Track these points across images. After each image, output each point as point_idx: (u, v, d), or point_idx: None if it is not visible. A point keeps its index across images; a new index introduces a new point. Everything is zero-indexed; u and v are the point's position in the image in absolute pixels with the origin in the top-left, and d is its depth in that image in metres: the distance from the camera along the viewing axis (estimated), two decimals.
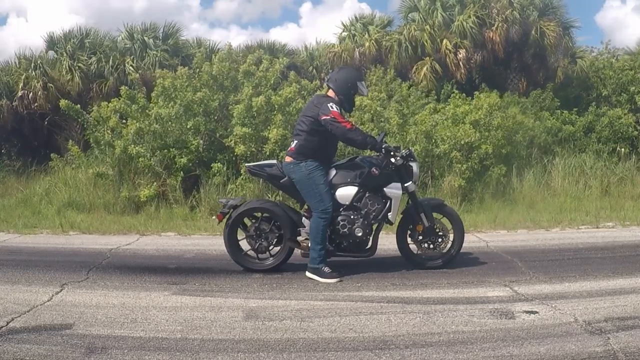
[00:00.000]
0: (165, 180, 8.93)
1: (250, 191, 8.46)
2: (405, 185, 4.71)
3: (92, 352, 3.02)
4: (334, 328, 3.44)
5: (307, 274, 4.58)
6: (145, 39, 14.44)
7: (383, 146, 4.65)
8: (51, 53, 14.41)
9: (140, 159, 8.84)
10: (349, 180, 4.65)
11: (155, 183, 8.86)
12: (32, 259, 5.47)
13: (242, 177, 8.78)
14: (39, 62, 13.68)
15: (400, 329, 3.41)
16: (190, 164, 8.99)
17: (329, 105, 4.52)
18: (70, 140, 10.88)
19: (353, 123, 4.77)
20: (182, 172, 8.90)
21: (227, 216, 4.84)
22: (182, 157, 8.89)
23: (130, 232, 7.21)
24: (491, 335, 3.29)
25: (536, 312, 3.68)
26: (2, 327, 3.37)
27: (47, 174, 10.63)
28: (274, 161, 5.08)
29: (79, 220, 7.92)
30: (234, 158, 9.03)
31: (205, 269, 5.04)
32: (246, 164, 5.49)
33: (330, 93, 4.73)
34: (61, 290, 4.26)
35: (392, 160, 4.63)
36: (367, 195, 4.65)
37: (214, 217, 5.88)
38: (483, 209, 8.52)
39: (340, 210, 4.63)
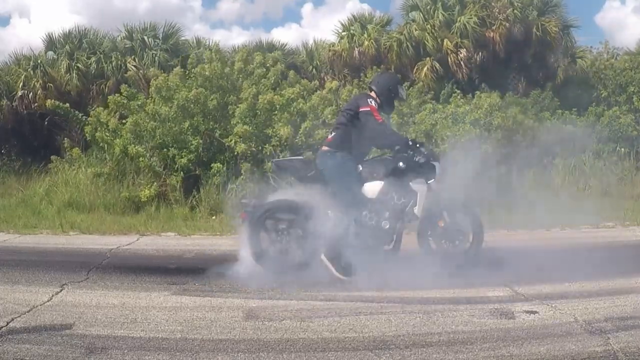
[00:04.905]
0: (165, 180, 8.94)
1: (251, 191, 8.46)
2: (428, 182, 4.79)
3: (92, 352, 3.02)
4: (334, 328, 3.44)
5: (323, 257, 4.60)
6: (145, 38, 14.45)
7: (410, 139, 4.79)
8: (50, 53, 14.41)
9: (141, 159, 8.85)
10: (375, 174, 4.75)
11: (155, 183, 8.86)
12: (32, 259, 5.46)
13: (242, 177, 8.78)
14: (38, 61, 13.68)
15: (400, 329, 3.41)
16: (190, 164, 9.00)
17: (368, 100, 4.76)
18: (70, 141, 10.86)
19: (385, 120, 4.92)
20: (182, 172, 8.90)
21: (250, 216, 4.82)
22: (182, 158, 8.90)
23: (130, 232, 7.21)
24: (491, 335, 3.29)
25: (536, 312, 3.68)
26: (2, 327, 3.37)
27: (47, 174, 10.64)
28: (301, 157, 5.13)
29: (79, 220, 7.92)
30: (233, 158, 9.03)
31: (205, 269, 5.03)
32: (273, 159, 5.52)
33: (372, 95, 4.92)
34: (61, 290, 4.26)
35: (418, 157, 4.73)
36: (393, 189, 4.72)
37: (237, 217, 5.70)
38: (483, 209, 8.51)
39: (367, 204, 4.69)
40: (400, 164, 4.72)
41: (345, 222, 4.63)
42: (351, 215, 4.65)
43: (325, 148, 4.87)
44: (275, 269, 4.76)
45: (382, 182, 4.72)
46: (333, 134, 4.89)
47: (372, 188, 4.72)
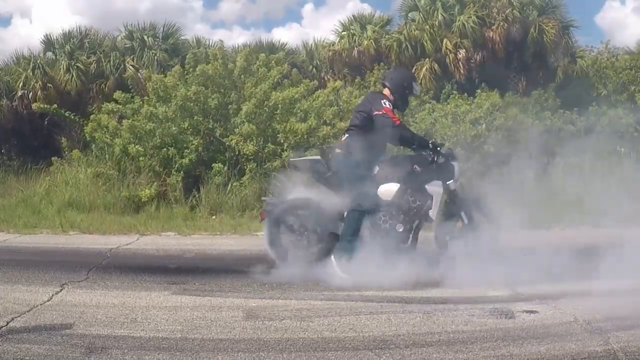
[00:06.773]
0: (165, 180, 8.94)
1: (254, 191, 8.47)
2: (447, 183, 4.77)
3: (92, 352, 3.02)
4: (334, 328, 3.43)
5: (332, 257, 4.62)
6: (145, 38, 14.45)
7: (430, 141, 4.77)
8: (50, 54, 14.43)
9: (141, 159, 8.85)
10: (391, 176, 4.71)
11: (155, 183, 8.87)
12: (32, 259, 5.46)
13: (246, 176, 8.77)
14: (38, 62, 13.69)
15: (400, 329, 3.40)
16: (191, 164, 9.00)
17: (382, 101, 4.68)
18: (68, 141, 10.85)
19: (402, 121, 4.88)
20: (182, 172, 8.90)
21: (270, 214, 4.83)
22: (182, 158, 8.89)
23: (130, 232, 7.21)
24: (491, 335, 3.29)
25: (536, 312, 3.68)
26: (2, 327, 3.37)
27: (47, 173, 10.64)
28: (318, 157, 5.12)
29: (79, 220, 7.92)
30: (234, 157, 9.02)
31: (205, 269, 5.04)
32: (290, 158, 5.49)
33: (386, 92, 4.87)
34: (61, 290, 4.26)
35: (436, 158, 4.71)
36: (409, 191, 4.70)
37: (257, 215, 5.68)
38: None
39: (382, 206, 4.67)
40: (416, 167, 4.71)
41: (360, 224, 4.61)
42: (365, 218, 4.64)
43: (338, 150, 4.84)
44: (294, 266, 4.73)
45: (398, 185, 4.68)
46: (346, 135, 4.86)
47: (388, 190, 4.68)
